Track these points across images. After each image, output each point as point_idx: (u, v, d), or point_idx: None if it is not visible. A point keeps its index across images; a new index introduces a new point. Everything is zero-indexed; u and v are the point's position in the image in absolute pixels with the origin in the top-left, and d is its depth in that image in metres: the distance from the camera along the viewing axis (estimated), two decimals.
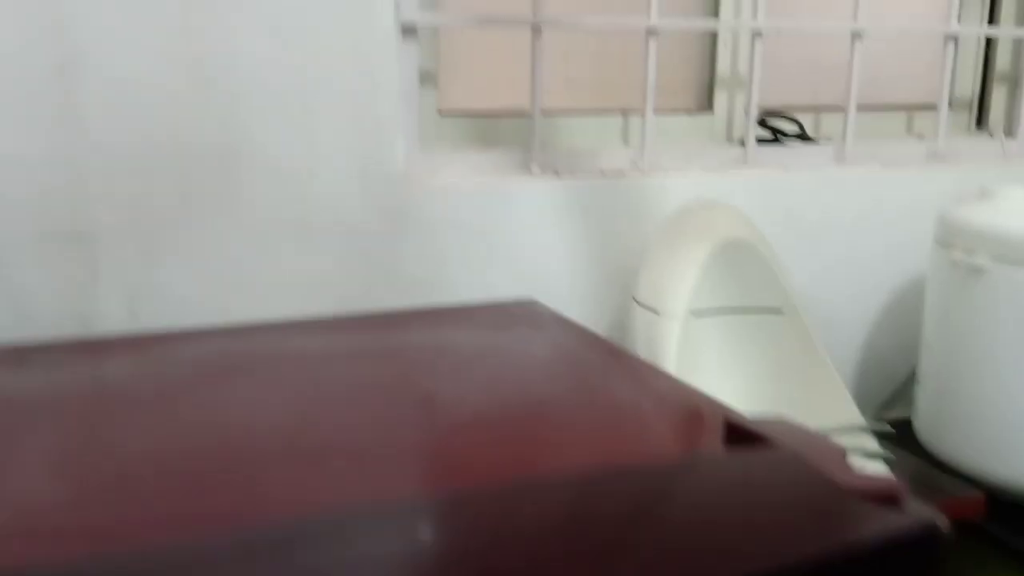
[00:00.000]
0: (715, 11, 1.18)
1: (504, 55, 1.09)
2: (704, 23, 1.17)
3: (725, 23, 1.17)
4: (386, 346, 0.75)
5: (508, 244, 0.98)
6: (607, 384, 0.63)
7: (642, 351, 0.87)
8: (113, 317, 0.88)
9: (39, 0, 0.80)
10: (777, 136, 1.18)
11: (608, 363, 0.68)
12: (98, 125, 0.83)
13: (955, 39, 1.17)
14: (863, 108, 1.16)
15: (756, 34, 1.08)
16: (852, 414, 0.81)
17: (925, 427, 0.99)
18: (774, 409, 0.87)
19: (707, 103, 1.20)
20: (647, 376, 0.64)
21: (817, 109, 1.24)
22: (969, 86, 1.34)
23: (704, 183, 1.04)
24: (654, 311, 0.85)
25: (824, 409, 0.82)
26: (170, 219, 0.87)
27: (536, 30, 0.99)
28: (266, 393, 0.62)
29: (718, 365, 0.87)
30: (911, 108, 1.31)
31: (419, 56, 0.98)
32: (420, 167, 0.98)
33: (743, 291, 0.87)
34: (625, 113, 1.16)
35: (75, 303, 0.86)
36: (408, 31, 0.95)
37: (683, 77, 1.19)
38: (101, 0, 0.81)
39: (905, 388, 1.13)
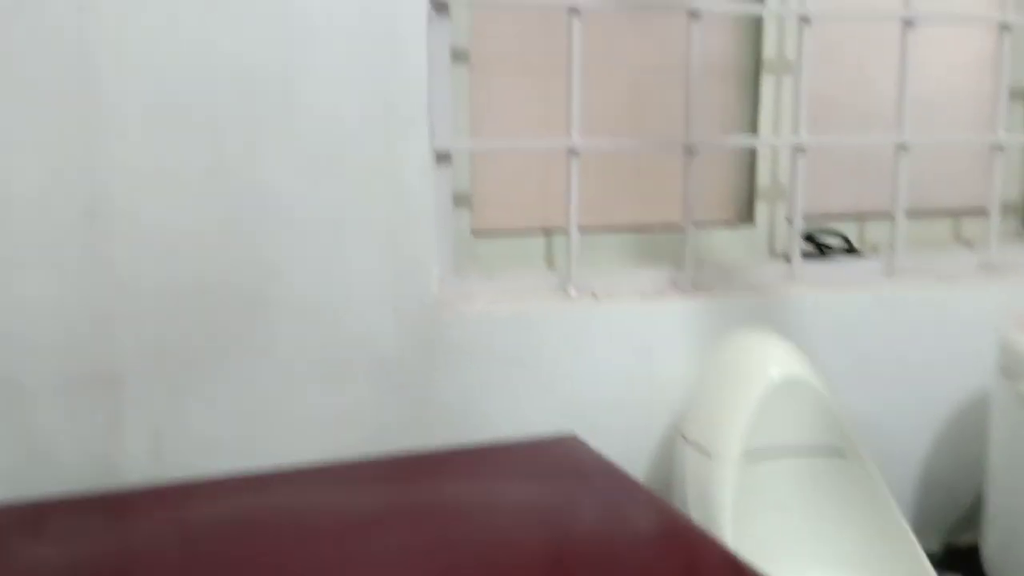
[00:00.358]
0: (754, 122, 1.15)
1: (539, 173, 1.07)
2: (745, 140, 1.14)
3: (765, 139, 1.13)
4: (423, 504, 0.70)
5: (545, 372, 0.94)
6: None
7: (692, 494, 0.82)
8: (137, 460, 0.84)
9: (69, 146, 0.78)
10: (822, 250, 1.14)
11: (667, 533, 0.63)
12: (125, 268, 0.81)
13: (1001, 148, 1.13)
14: (908, 215, 1.12)
15: (798, 150, 1.05)
16: (922, 569, 0.75)
17: (995, 564, 0.92)
18: (839, 563, 0.81)
19: (748, 215, 1.17)
20: (714, 559, 0.59)
21: (861, 216, 1.20)
22: (1015, 190, 1.30)
23: (750, 305, 1.00)
24: (706, 453, 0.80)
25: (892, 564, 0.77)
26: (196, 360, 0.84)
27: (572, 153, 0.96)
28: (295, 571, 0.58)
29: (778, 512, 0.82)
30: (956, 213, 1.26)
31: (453, 181, 0.95)
32: (454, 293, 0.94)
33: (800, 431, 0.82)
34: (663, 229, 1.12)
35: (99, 447, 0.83)
36: (442, 158, 0.93)
37: (722, 189, 1.16)
38: (130, 143, 0.80)
39: (970, 511, 1.07)
